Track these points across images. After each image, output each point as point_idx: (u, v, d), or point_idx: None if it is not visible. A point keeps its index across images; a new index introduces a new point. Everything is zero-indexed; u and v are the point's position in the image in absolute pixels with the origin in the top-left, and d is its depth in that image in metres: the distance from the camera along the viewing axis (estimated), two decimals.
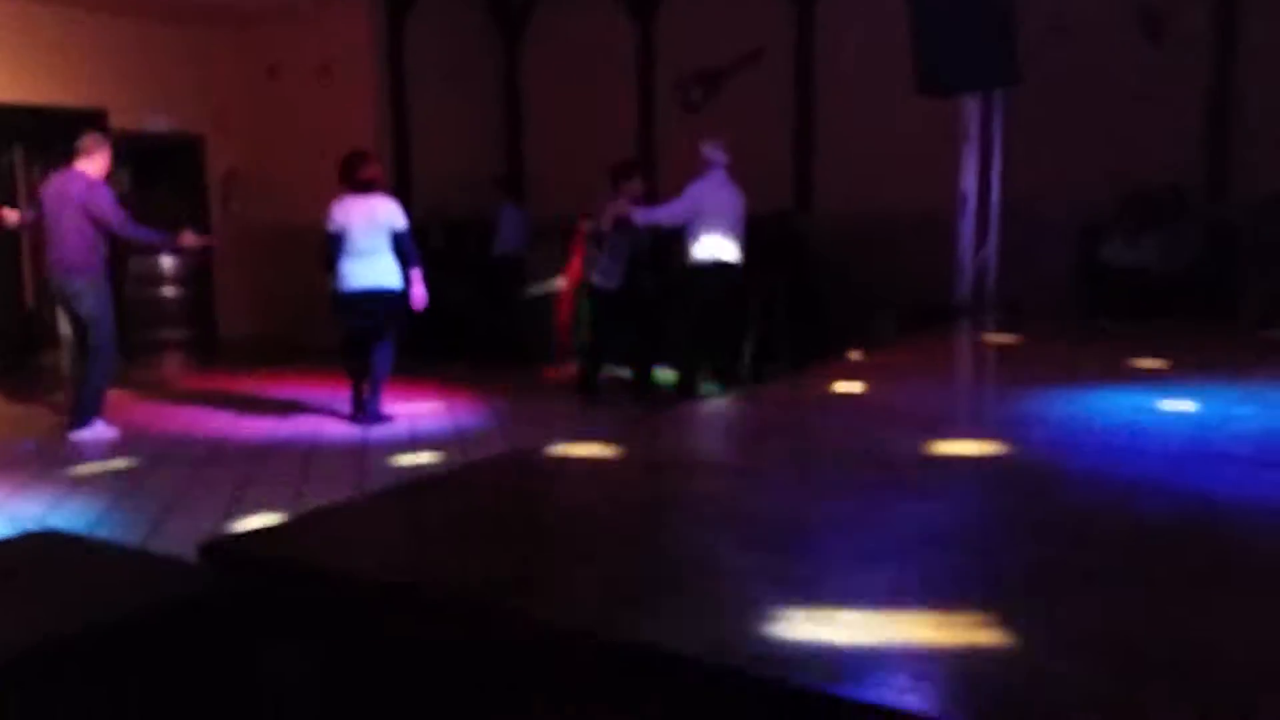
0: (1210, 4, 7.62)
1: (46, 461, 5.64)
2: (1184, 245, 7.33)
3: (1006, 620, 1.62)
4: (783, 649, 1.51)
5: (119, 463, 5.59)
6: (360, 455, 5.72)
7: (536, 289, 8.80)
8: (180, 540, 4.01)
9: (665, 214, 6.80)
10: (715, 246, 6.75)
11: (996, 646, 1.54)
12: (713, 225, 6.73)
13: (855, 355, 4.82)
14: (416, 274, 6.35)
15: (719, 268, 6.79)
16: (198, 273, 9.96)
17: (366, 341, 6.40)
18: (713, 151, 6.80)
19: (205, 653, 1.76)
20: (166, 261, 9.81)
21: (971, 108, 7.22)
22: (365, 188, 6.34)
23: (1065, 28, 7.81)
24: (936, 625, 1.59)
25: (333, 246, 6.27)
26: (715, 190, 6.75)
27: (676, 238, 6.97)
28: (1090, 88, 7.79)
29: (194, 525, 4.33)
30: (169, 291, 9.98)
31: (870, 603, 1.70)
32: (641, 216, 6.79)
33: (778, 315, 8.09)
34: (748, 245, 6.96)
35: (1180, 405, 3.42)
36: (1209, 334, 5.62)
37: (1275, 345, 5.18)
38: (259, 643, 1.88)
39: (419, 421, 6.57)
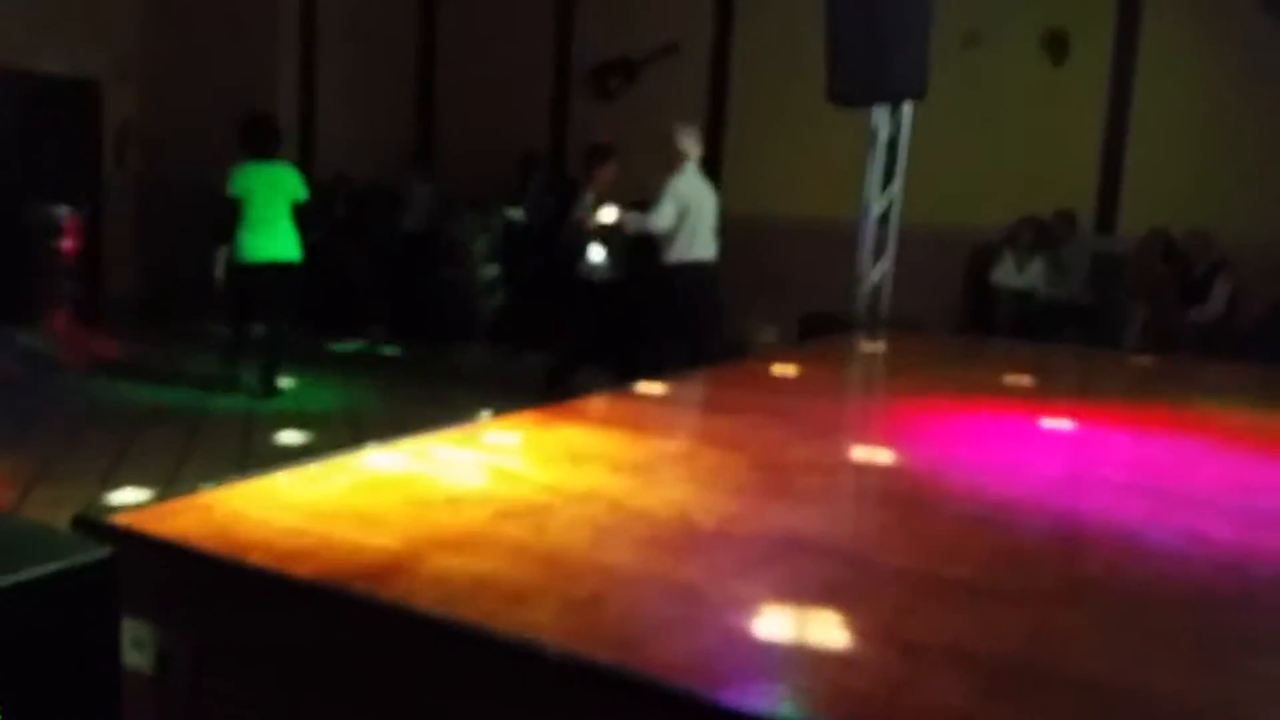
0: (1113, 33, 7.96)
1: None
2: (1071, 272, 7.67)
3: (875, 630, 1.68)
4: (662, 651, 1.53)
5: None
6: (246, 430, 5.60)
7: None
8: (52, 509, 3.89)
9: (658, 221, 6.24)
10: (697, 245, 6.36)
11: (865, 655, 1.59)
12: (695, 222, 6.31)
13: (752, 360, 4.93)
14: None
15: (696, 267, 6.41)
16: (86, 228, 9.56)
17: (258, 314, 6.26)
18: (687, 142, 6.35)
19: (70, 631, 1.71)
20: (57, 214, 9.38)
21: (879, 119, 7.38)
22: (270, 153, 6.19)
23: (976, 44, 8.06)
24: (809, 632, 1.64)
25: (232, 213, 6.09)
26: (693, 185, 6.36)
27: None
28: (994, 107, 8.06)
29: (67, 493, 4.19)
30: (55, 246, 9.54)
31: (746, 608, 1.73)
32: (635, 224, 6.39)
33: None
34: None
35: (1058, 426, 3.58)
36: (1089, 359, 5.89)
37: (1148, 371, 5.46)
38: (131, 627, 1.84)
39: (308, 398, 6.46)
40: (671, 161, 6.30)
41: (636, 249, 6.76)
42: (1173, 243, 7.46)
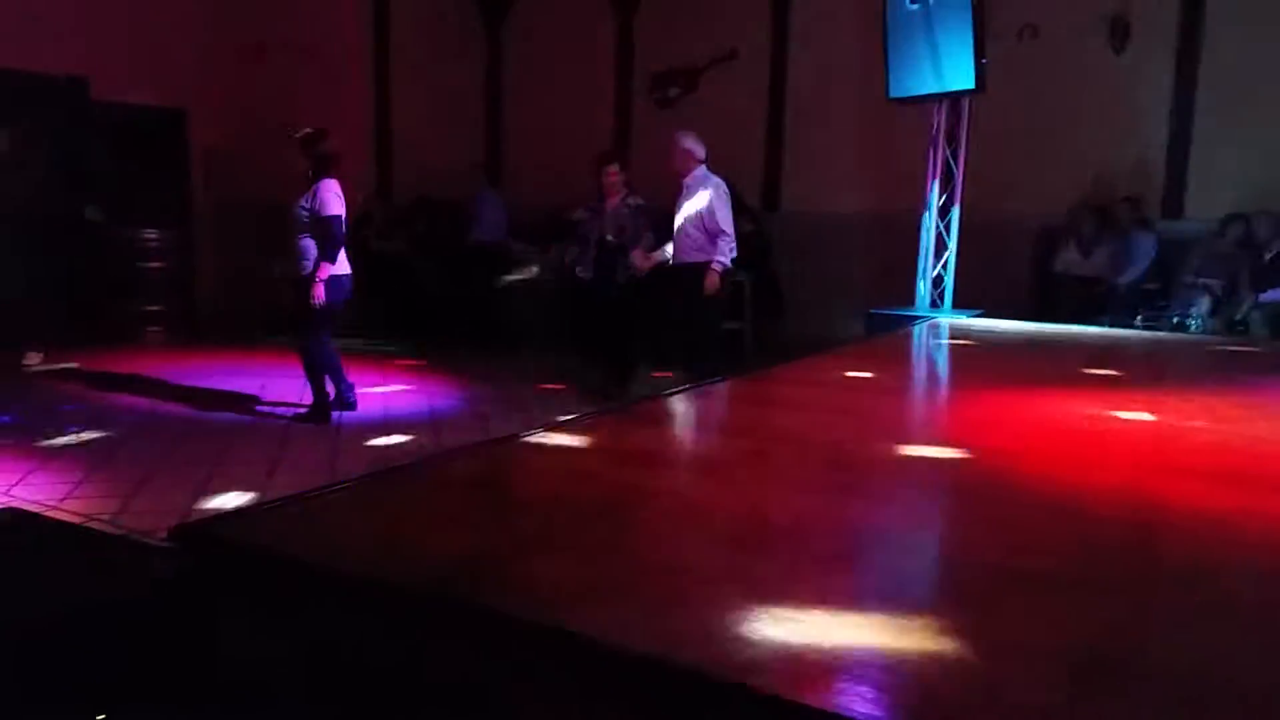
0: (1177, 18, 7.85)
1: (18, 433, 5.71)
2: (1138, 257, 7.58)
3: (963, 628, 1.68)
4: (742, 651, 1.55)
5: (91, 436, 5.70)
6: (334, 436, 5.87)
7: (515, 275, 8.79)
8: (150, 518, 4.16)
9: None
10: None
11: (953, 655, 1.59)
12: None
13: (818, 355, 5.01)
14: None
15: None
16: (178, 246, 10.04)
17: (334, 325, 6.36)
18: (694, 145, 6.45)
19: (173, 639, 1.83)
20: (149, 234, 9.88)
21: (938, 115, 7.41)
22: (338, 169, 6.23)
23: (1034, 36, 8.02)
24: (895, 632, 1.64)
25: (342, 232, 6.07)
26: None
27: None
28: (1056, 97, 8.01)
29: (165, 503, 4.47)
30: (149, 264, 10.04)
31: (831, 607, 1.74)
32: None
33: (744, 312, 8.28)
34: None
35: (1137, 416, 3.60)
36: (1161, 344, 5.81)
37: (1223, 356, 5.40)
38: (228, 630, 1.95)
39: (392, 405, 6.73)
40: (688, 166, 6.37)
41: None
42: (1246, 223, 7.34)
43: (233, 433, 5.88)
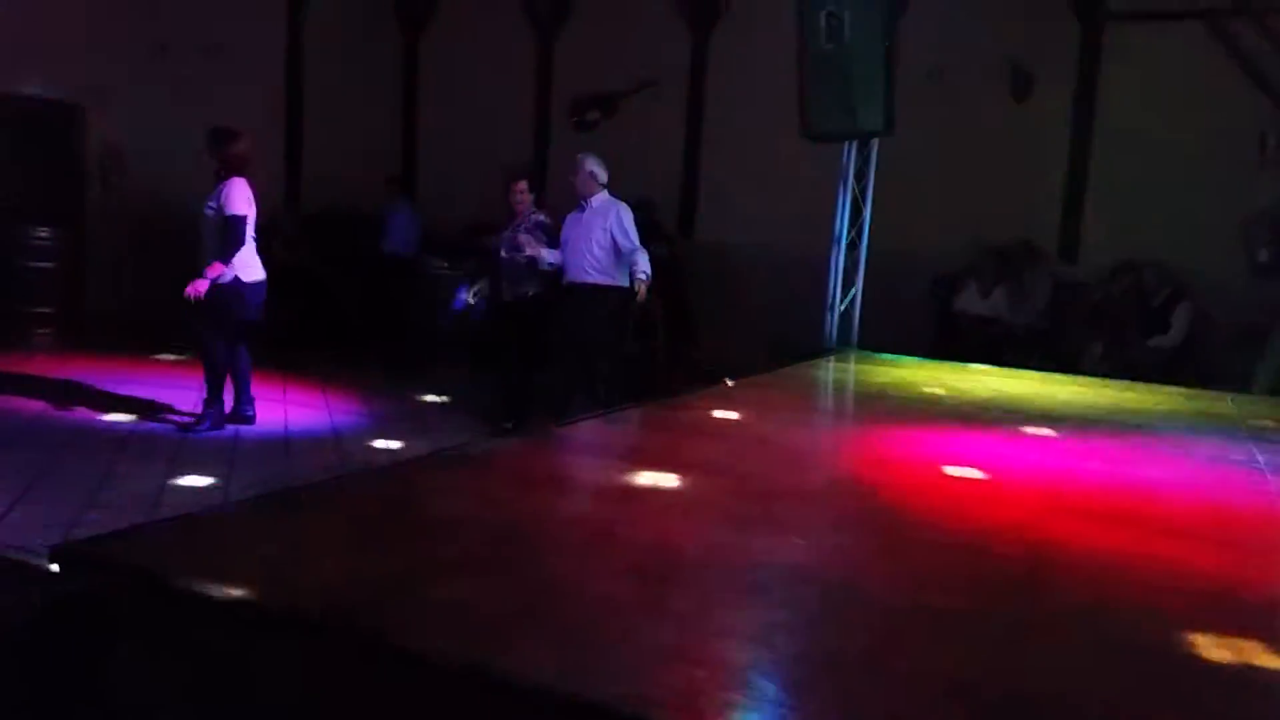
0: (1075, 69, 8.21)
1: None
2: (1033, 300, 7.88)
3: (866, 663, 1.73)
4: (647, 687, 1.56)
5: None
6: (231, 451, 5.69)
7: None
8: (28, 535, 3.96)
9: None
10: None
11: (857, 690, 1.64)
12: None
13: (729, 383, 5.05)
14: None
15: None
16: (70, 246, 9.65)
17: (248, 335, 6.20)
18: (598, 168, 6.50)
19: (53, 666, 1.75)
20: (39, 233, 9.47)
21: (848, 155, 7.59)
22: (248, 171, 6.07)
23: (940, 80, 8.29)
24: (808, 665, 1.68)
25: (244, 232, 5.89)
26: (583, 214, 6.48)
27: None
28: (959, 141, 8.28)
29: (46, 518, 4.27)
30: (38, 264, 9.63)
31: (742, 639, 1.77)
32: (549, 258, 6.54)
33: (657, 335, 8.32)
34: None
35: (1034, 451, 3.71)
36: (1054, 382, 6.03)
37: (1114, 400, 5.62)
38: (112, 659, 1.87)
39: (293, 421, 6.56)
40: (589, 188, 6.44)
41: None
42: (1137, 273, 7.68)
43: (123, 443, 5.66)
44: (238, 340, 6.14)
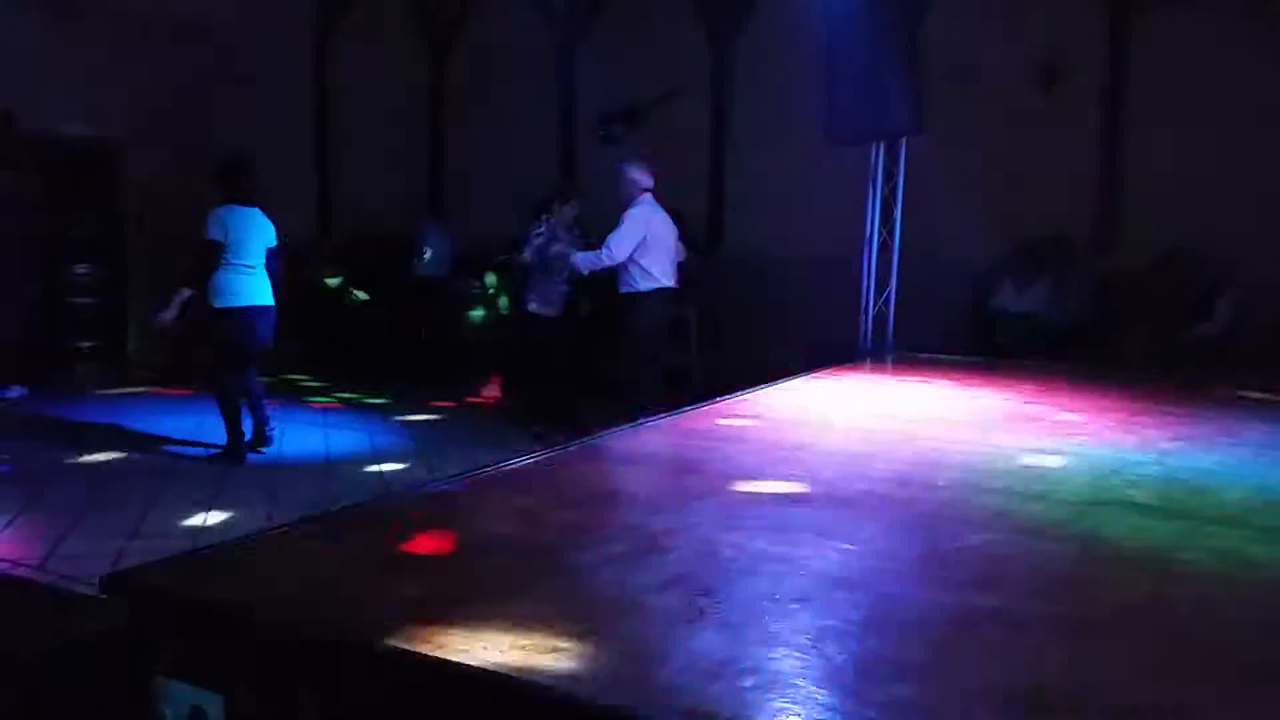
0: (1105, 60, 8.11)
1: None
2: (1071, 294, 7.77)
3: (920, 669, 1.71)
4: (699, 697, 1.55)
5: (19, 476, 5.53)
6: (273, 477, 5.75)
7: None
8: (78, 564, 4.02)
9: (610, 256, 6.35)
10: (658, 272, 6.44)
11: (908, 698, 1.61)
12: (653, 251, 6.41)
13: (767, 389, 5.04)
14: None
15: (661, 294, 6.52)
16: (110, 283, 9.81)
17: (252, 361, 6.22)
18: (639, 174, 6.47)
19: (105, 693, 1.76)
20: (80, 269, 9.64)
21: (876, 156, 7.55)
22: (251, 198, 6.10)
23: (967, 79, 8.22)
24: (855, 674, 1.66)
25: (216, 257, 5.93)
26: (651, 215, 6.43)
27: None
28: (989, 138, 8.20)
29: (95, 546, 4.33)
30: (82, 300, 9.81)
31: (791, 648, 1.75)
32: (583, 264, 6.53)
33: (690, 346, 8.32)
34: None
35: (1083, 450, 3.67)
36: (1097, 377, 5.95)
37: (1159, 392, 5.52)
38: (162, 685, 1.88)
39: (334, 442, 6.61)
40: (632, 195, 6.41)
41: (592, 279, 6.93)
42: (1176, 261, 7.55)
43: (166, 474, 5.74)
44: (240, 367, 6.16)
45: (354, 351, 9.44)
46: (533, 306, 7.26)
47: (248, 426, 6.19)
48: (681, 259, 6.72)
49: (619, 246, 6.29)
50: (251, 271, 6.02)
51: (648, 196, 6.44)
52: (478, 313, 9.15)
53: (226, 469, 5.90)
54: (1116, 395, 5.18)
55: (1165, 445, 3.84)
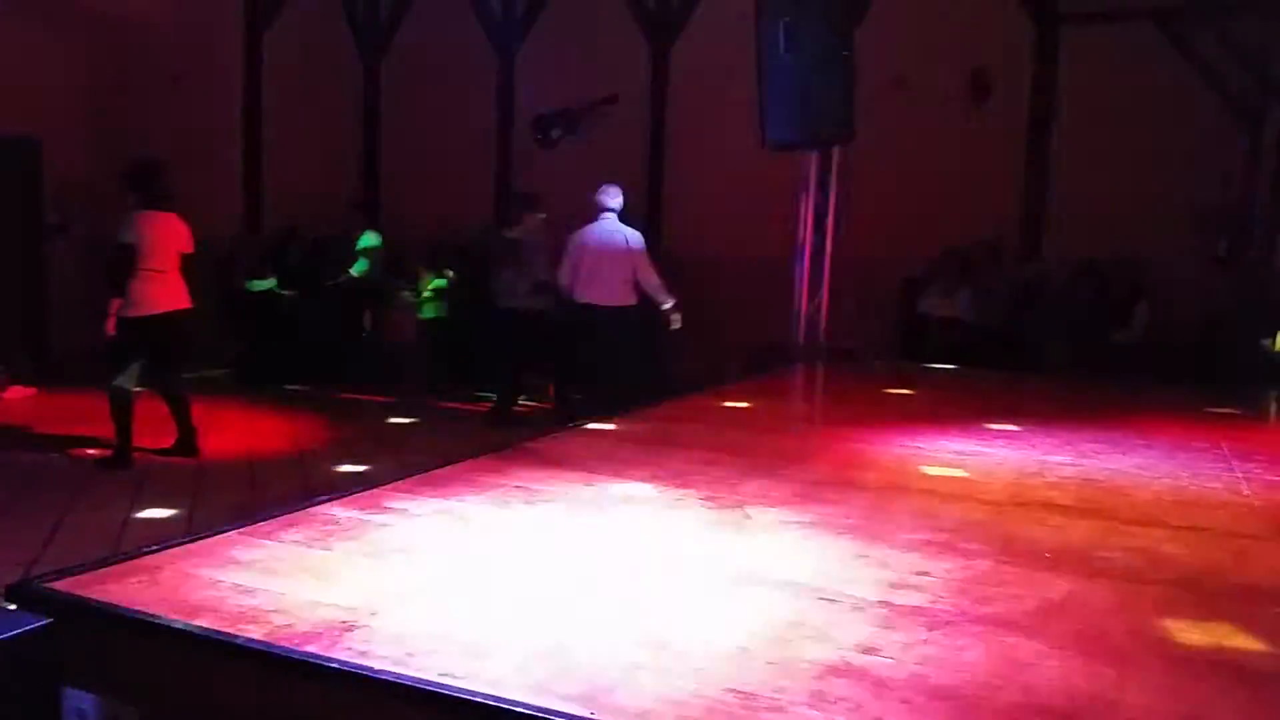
0: (1031, 73, 8.31)
1: None
2: (996, 300, 7.94)
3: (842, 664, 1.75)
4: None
5: None
6: (195, 481, 5.62)
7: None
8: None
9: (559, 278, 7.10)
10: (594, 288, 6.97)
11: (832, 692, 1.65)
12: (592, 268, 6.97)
13: (710, 393, 5.07)
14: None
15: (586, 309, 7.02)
16: (29, 283, 9.50)
17: (170, 366, 6.11)
18: (603, 197, 7.01)
19: (9, 706, 1.71)
20: None
21: (809, 162, 7.63)
22: (163, 202, 5.96)
23: (899, 89, 8.36)
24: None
25: (132, 262, 5.80)
26: (595, 234, 6.99)
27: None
28: (919, 146, 8.35)
29: (5, 558, 4.19)
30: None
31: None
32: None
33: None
34: None
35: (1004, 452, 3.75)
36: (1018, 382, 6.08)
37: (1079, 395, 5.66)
38: (68, 696, 1.85)
39: (258, 450, 6.48)
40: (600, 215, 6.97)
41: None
42: (1096, 269, 7.76)
43: (82, 479, 5.57)
44: (157, 372, 6.04)
45: (286, 354, 9.24)
46: (502, 301, 7.34)
47: (184, 431, 6.09)
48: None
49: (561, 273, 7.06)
50: (164, 276, 5.91)
51: (605, 216, 7.01)
52: (428, 313, 9.06)
53: (154, 475, 5.74)
54: (1038, 398, 5.30)
55: (1084, 447, 3.93)
